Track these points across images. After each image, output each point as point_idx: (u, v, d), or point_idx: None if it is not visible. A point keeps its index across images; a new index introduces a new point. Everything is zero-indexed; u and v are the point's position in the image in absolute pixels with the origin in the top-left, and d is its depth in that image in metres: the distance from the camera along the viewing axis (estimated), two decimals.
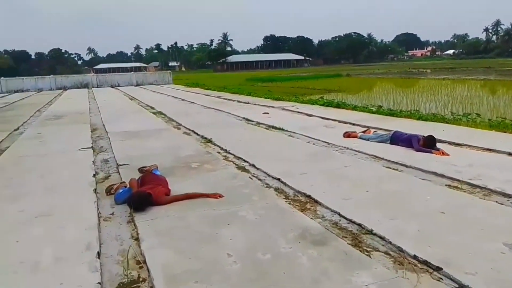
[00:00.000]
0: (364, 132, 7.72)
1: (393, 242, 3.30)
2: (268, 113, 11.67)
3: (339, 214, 3.97)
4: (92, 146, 7.87)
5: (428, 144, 6.33)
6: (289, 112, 11.99)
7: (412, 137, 6.61)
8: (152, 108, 14.94)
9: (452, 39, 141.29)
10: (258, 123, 10.03)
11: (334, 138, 7.61)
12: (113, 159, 6.76)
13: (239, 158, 6.49)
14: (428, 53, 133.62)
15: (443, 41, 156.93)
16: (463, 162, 5.53)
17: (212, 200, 4.45)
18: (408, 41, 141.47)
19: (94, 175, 5.70)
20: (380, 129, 8.17)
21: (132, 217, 4.14)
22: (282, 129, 8.93)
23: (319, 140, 7.58)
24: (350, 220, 3.81)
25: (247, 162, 6.18)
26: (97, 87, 32.84)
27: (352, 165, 5.71)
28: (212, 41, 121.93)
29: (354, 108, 12.06)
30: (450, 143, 6.80)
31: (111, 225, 4.04)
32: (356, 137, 7.58)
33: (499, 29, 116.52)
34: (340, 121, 9.68)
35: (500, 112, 11.83)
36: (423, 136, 6.51)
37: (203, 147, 7.52)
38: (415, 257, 3.07)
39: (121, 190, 4.76)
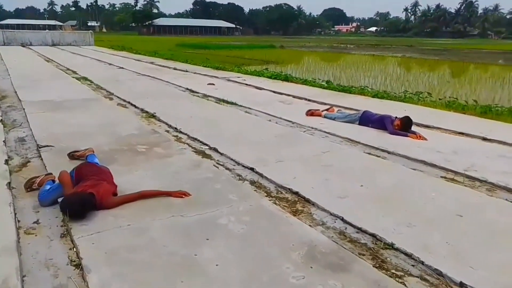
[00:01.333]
0: (327, 110, 7.04)
1: (425, 262, 2.61)
2: (213, 84, 10.56)
3: (343, 220, 3.20)
4: (1, 119, 6.25)
5: (404, 126, 5.82)
6: (236, 84, 10.98)
7: (384, 118, 6.05)
8: (75, 72, 12.97)
9: (375, 17, 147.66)
10: (206, 96, 8.93)
11: (297, 116, 6.83)
12: (31, 138, 5.33)
13: (194, 139, 5.45)
14: (353, 29, 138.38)
15: (366, 18, 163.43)
16: (446, 149, 5.07)
17: (176, 201, 3.44)
18: (334, 16, 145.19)
19: (6, 161, 4.33)
20: (339, 106, 7.55)
21: (68, 228, 3.01)
22: (235, 104, 7.95)
23: (280, 118, 6.76)
24: (360, 229, 3.06)
25: (206, 145, 5.18)
26: (4, 45, 28.54)
27: (330, 150, 4.97)
28: (136, 1, 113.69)
29: (304, 82, 11.39)
30: (419, 125, 6.36)
31: (37, 241, 2.88)
32: (320, 115, 6.89)
33: (417, 10, 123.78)
34: (294, 96, 8.93)
35: (437, 90, 11.95)
36: (398, 117, 5.98)
37: (147, 124, 6.32)
38: (461, 285, 2.40)
39: (48, 187, 3.54)
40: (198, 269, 2.50)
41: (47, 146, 4.90)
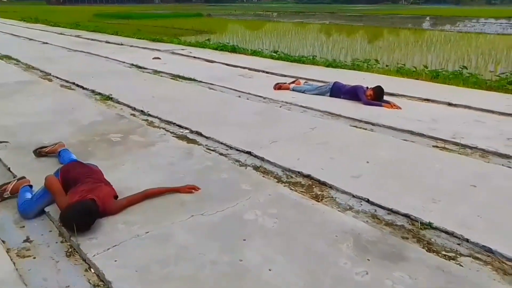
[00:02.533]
0: (293, 83, 6.86)
1: (470, 239, 2.60)
2: (159, 58, 9.85)
3: (369, 202, 3.10)
4: None
5: (377, 96, 5.85)
6: (184, 57, 10.34)
7: (357, 88, 6.03)
8: None
9: None
10: (157, 72, 8.27)
11: (264, 91, 6.58)
12: None
13: (169, 122, 5.00)
14: None
15: None
16: (423, 117, 5.18)
17: (186, 197, 3.09)
18: None
19: None
20: (302, 78, 7.40)
21: (72, 245, 2.55)
22: (194, 80, 7.46)
23: (249, 93, 6.46)
24: (391, 210, 2.98)
25: (187, 128, 4.77)
26: None
27: (317, 126, 4.83)
28: None
29: (254, 53, 11.06)
30: (385, 93, 6.44)
31: (39, 265, 2.40)
32: (288, 89, 6.70)
33: None
34: (250, 69, 8.62)
35: (374, 56, 12.24)
36: (369, 87, 5.99)
37: (106, 108, 5.67)
38: None
39: (28, 194, 2.99)
40: (252, 277, 2.23)
41: (1, 142, 4.15)
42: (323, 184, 3.40)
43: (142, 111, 5.47)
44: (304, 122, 5.01)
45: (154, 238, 2.58)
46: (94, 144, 4.19)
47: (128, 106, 5.73)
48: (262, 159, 3.89)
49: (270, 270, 2.29)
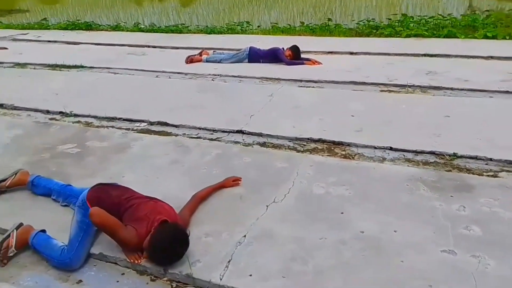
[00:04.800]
0: (200, 54, 6.55)
1: (493, 158, 3.12)
2: (6, 48, 8.00)
3: (392, 149, 3.37)
4: None
5: (295, 55, 6.09)
6: (35, 42, 8.60)
7: (275, 50, 6.16)
8: None
9: None
10: (22, 64, 6.74)
11: (177, 66, 6.15)
12: None
13: (113, 119, 4.30)
14: None
15: None
16: (345, 67, 5.67)
17: (235, 190, 2.82)
18: None
19: None
20: (194, 48, 7.09)
21: (171, 279, 2.12)
22: (83, 66, 6.39)
23: (165, 71, 5.93)
24: (415, 151, 3.31)
25: (142, 121, 4.20)
26: None
27: (272, 93, 4.80)
28: None
29: (116, 28, 9.94)
30: None
31: None
32: (200, 61, 6.39)
33: None
34: (133, 46, 7.79)
35: (228, 18, 12.45)
36: (285, 48, 6.18)
37: (10, 118, 4.49)
38: None
39: (57, 242, 2.29)
40: (385, 244, 2.26)
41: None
42: (339, 144, 3.51)
43: (62, 112, 4.51)
44: (255, 91, 4.94)
45: (258, 239, 2.32)
46: (52, 163, 3.34)
47: (36, 110, 4.63)
48: (260, 134, 3.74)
49: (395, 231, 2.35)
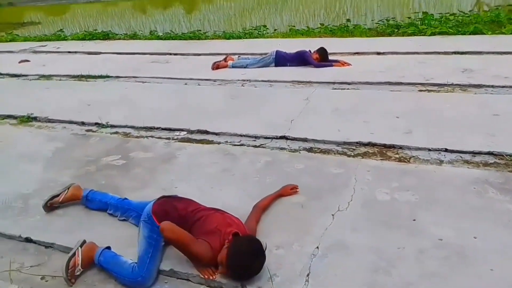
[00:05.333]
0: (225, 60, 6.49)
1: None
2: (29, 61, 8.03)
3: (447, 150, 3.26)
4: None
5: (323, 57, 6.01)
6: (55, 54, 8.63)
7: (303, 53, 6.08)
8: None
9: None
10: (47, 76, 6.74)
11: (204, 73, 6.11)
12: None
13: (151, 128, 4.25)
14: None
15: None
16: (377, 68, 5.57)
17: (293, 199, 2.73)
18: None
19: None
20: (215, 54, 7.07)
21: None
22: (108, 76, 6.36)
23: (192, 79, 5.88)
24: (472, 152, 3.20)
25: (181, 130, 4.13)
26: None
27: (307, 96, 4.71)
28: None
29: (134, 37, 9.95)
30: None
31: None
32: (226, 66, 6.34)
33: None
34: (155, 54, 7.76)
35: (241, 22, 12.43)
36: (311, 51, 6.10)
37: (46, 131, 4.47)
38: None
39: (126, 260, 2.21)
40: (469, 251, 2.16)
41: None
42: (391, 147, 3.41)
43: (97, 123, 4.46)
44: (289, 95, 4.87)
45: (333, 250, 2.23)
46: (100, 175, 3.28)
47: (71, 122, 4.59)
48: (305, 140, 3.66)
49: (475, 237, 2.24)
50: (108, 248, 2.32)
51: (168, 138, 3.99)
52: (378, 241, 2.27)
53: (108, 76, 6.39)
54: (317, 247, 2.26)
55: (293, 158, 3.33)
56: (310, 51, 6.12)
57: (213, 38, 9.19)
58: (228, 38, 8.93)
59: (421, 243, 2.23)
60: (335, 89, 4.99)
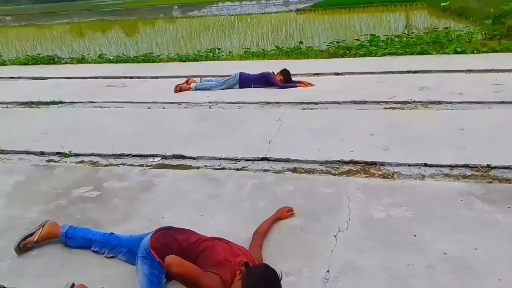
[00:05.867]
0: (187, 83, 6.38)
1: None
2: None
3: (426, 165, 3.38)
4: None
5: (286, 78, 6.10)
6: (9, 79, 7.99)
7: (266, 75, 6.13)
8: None
9: None
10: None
11: (167, 96, 5.95)
12: None
13: (120, 156, 4.01)
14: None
15: None
16: (338, 88, 5.74)
17: (289, 222, 2.68)
18: None
19: None
20: (170, 76, 6.99)
21: None
22: (62, 102, 5.99)
23: (156, 102, 5.69)
24: (449, 166, 3.34)
25: (155, 156, 3.95)
26: None
27: (278, 116, 4.72)
28: None
29: (82, 61, 9.50)
30: None
31: None
32: (189, 89, 6.23)
33: None
34: (108, 77, 7.45)
35: (181, 48, 12.30)
36: (274, 72, 6.17)
37: (4, 163, 4.05)
38: None
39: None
40: (480, 266, 2.21)
41: None
42: (373, 164, 3.48)
43: (59, 152, 4.14)
44: (260, 116, 4.85)
45: (344, 272, 2.18)
46: (74, 210, 3.01)
47: (28, 152, 4.22)
48: (287, 160, 3.63)
49: (476, 249, 2.30)
50: None
51: (142, 165, 3.78)
52: (386, 260, 2.26)
53: (61, 102, 6.00)
54: (328, 271, 2.20)
55: (280, 179, 3.27)
56: (273, 72, 6.18)
57: (168, 61, 9.02)
58: (184, 61, 8.81)
59: (427, 259, 2.24)
60: (304, 109, 5.05)
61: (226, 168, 3.58)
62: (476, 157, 3.40)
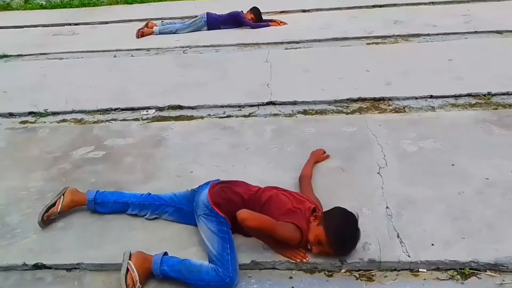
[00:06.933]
0: (147, 26, 5.83)
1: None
2: None
3: (432, 97, 3.45)
4: None
5: (258, 17, 5.80)
6: None
7: (236, 14, 5.75)
8: None
9: None
10: None
11: (130, 43, 5.40)
12: None
13: (108, 110, 3.64)
14: None
15: None
16: (315, 25, 5.55)
17: (334, 164, 2.63)
18: None
19: None
20: (118, 21, 6.40)
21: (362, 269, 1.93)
22: (6, 56, 5.22)
23: (121, 50, 5.16)
24: (454, 95, 3.44)
25: (147, 108, 3.63)
26: None
27: (266, 58, 4.51)
28: None
29: (8, 7, 8.26)
30: None
31: None
32: (152, 33, 5.72)
33: None
34: (51, 25, 6.59)
35: None
36: (244, 11, 5.83)
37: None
38: None
39: (202, 263, 1.89)
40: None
41: None
42: (381, 99, 3.48)
43: (33, 112, 3.66)
44: (245, 59, 4.62)
45: (403, 207, 2.20)
46: (83, 173, 2.71)
47: None
48: (294, 102, 3.52)
49: (487, 178, 2.41)
50: (166, 254, 1.93)
51: (137, 119, 3.47)
52: (438, 191, 2.31)
53: (6, 56, 5.23)
54: (387, 207, 2.21)
55: (297, 123, 3.17)
56: (242, 11, 5.83)
57: (111, 4, 8.14)
58: (131, 3, 8.01)
59: (474, 185, 2.33)
60: (288, 49, 4.87)
61: (233, 116, 3.40)
62: (474, 86, 3.53)
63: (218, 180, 2.20)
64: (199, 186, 2.18)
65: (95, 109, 3.63)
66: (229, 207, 1.98)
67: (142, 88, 4.00)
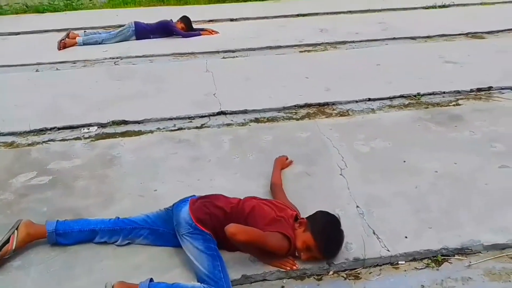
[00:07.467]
0: (68, 37, 5.46)
1: (451, 90, 3.81)
2: None
3: (370, 99, 3.71)
4: None
5: (188, 26, 5.75)
6: None
7: (166, 24, 5.67)
8: None
9: None
10: None
11: (54, 55, 5.05)
12: None
13: (44, 130, 3.33)
14: None
15: None
16: (247, 34, 5.69)
17: (297, 169, 2.70)
18: None
19: None
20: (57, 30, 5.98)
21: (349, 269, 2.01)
22: None
23: (43, 63, 4.77)
24: (388, 98, 3.73)
25: (89, 125, 3.40)
26: None
27: (206, 68, 4.47)
28: None
29: None
30: None
31: None
32: (75, 44, 5.39)
33: None
34: None
35: None
36: (174, 20, 5.74)
37: None
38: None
39: (194, 285, 1.83)
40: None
41: None
42: (325, 104, 3.65)
43: None
44: (183, 69, 4.54)
45: (371, 205, 2.34)
46: (30, 202, 2.43)
47: None
48: (245, 111, 3.55)
49: (455, 163, 2.70)
50: (151, 280, 1.82)
51: (78, 138, 3.21)
52: (396, 186, 2.49)
53: None
54: (357, 206, 2.32)
55: (251, 131, 3.20)
56: (171, 20, 5.73)
57: (17, 13, 7.46)
58: (43, 12, 7.41)
59: (426, 178, 2.55)
60: (225, 58, 4.90)
61: (185, 128, 3.31)
62: (404, 88, 3.86)
63: (194, 195, 2.13)
64: (173, 204, 2.09)
65: (28, 130, 3.29)
66: (213, 222, 1.93)
67: (76, 104, 3.72)
